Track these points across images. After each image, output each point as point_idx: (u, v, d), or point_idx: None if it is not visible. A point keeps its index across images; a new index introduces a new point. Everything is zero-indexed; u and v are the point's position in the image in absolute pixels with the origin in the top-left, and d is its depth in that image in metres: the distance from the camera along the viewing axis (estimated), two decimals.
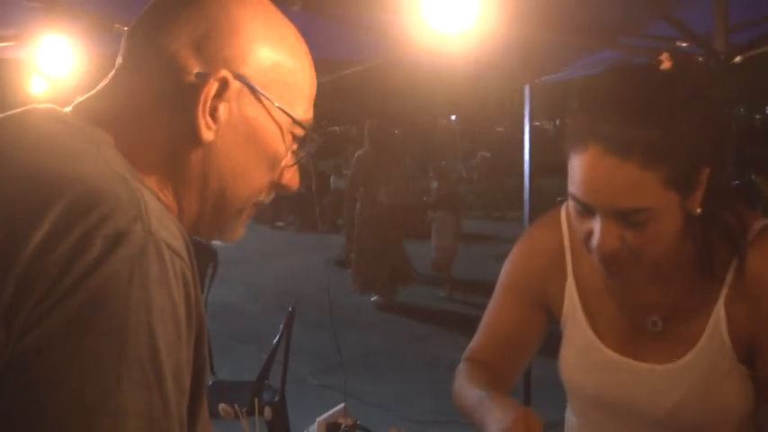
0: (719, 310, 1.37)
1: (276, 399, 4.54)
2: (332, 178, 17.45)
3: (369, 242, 9.16)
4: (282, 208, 15.86)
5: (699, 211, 1.30)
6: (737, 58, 3.34)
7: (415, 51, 4.02)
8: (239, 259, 12.46)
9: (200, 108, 0.95)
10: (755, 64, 4.30)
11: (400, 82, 16.95)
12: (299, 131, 1.05)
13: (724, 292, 1.37)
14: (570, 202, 1.34)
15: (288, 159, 1.07)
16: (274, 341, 4.66)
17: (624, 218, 1.25)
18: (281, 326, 4.75)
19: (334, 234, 15.21)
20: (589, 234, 1.31)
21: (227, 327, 7.88)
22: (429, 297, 9.73)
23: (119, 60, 1.01)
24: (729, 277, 1.37)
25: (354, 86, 21.48)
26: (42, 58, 3.56)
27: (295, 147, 1.07)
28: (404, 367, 6.87)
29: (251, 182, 1.03)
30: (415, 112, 25.30)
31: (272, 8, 1.06)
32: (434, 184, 18.29)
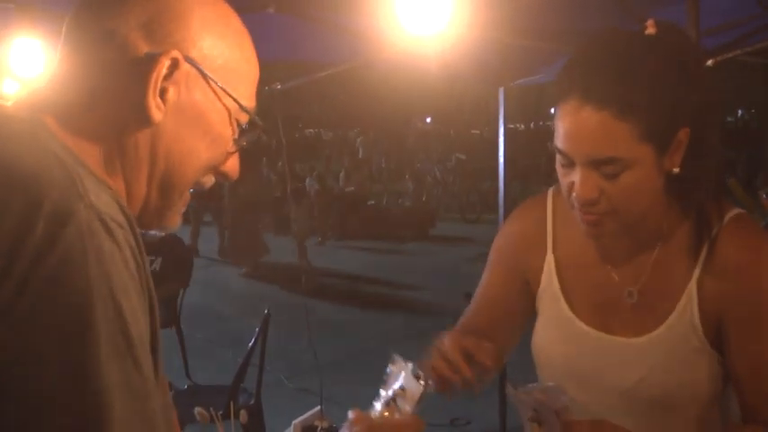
0: (692, 289, 1.42)
1: (252, 402, 4.54)
2: (308, 180, 17.44)
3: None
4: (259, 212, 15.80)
5: (677, 170, 1.34)
6: (709, 62, 3.38)
7: (390, 54, 4.02)
8: (215, 262, 12.42)
9: (151, 88, 0.95)
10: (728, 68, 4.35)
11: (375, 84, 16.98)
12: (244, 118, 1.06)
13: (697, 272, 1.42)
14: (557, 158, 1.39)
15: (230, 146, 1.07)
16: (250, 344, 4.66)
17: (600, 167, 1.31)
18: (257, 329, 4.75)
19: (311, 236, 15.21)
20: (571, 187, 1.37)
21: (202, 330, 7.84)
22: (405, 300, 9.73)
23: (61, 48, 1.01)
24: (703, 258, 1.42)
25: (329, 89, 21.50)
26: (14, 59, 3.53)
27: (237, 135, 1.07)
28: (381, 370, 6.86)
29: (196, 164, 1.03)
30: (391, 115, 25.36)
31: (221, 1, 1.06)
32: (410, 186, 18.37)
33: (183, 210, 1.09)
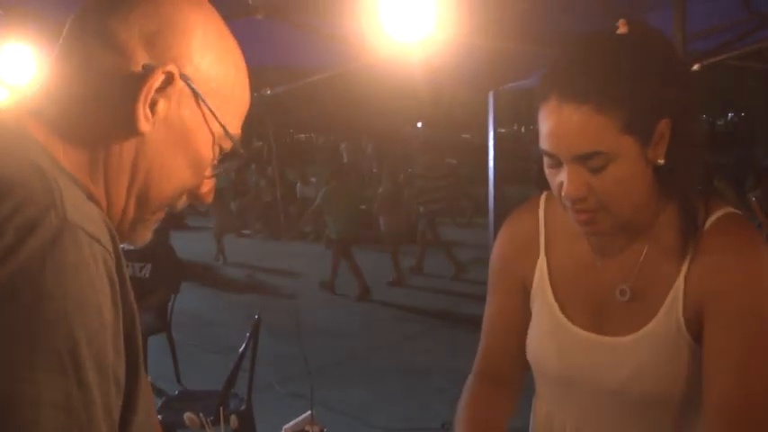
0: (679, 286, 1.44)
1: (243, 407, 4.53)
2: (298, 186, 17.42)
3: None
4: (249, 216, 15.81)
5: (661, 162, 1.37)
6: (695, 66, 3.41)
7: (379, 59, 4.03)
8: (206, 268, 12.40)
9: (143, 98, 0.95)
10: (717, 72, 4.38)
11: (366, 90, 16.97)
12: (227, 145, 1.06)
13: (684, 268, 1.44)
14: (545, 161, 1.42)
15: (209, 171, 1.07)
16: (240, 349, 4.66)
17: (585, 162, 1.34)
18: (248, 334, 4.75)
19: (300, 242, 15.19)
20: (561, 187, 1.39)
21: (193, 336, 7.84)
22: (396, 305, 9.73)
23: (60, 46, 1.00)
24: (690, 256, 1.44)
25: (320, 95, 21.49)
26: (3, 66, 3.52)
27: (216, 161, 1.07)
28: (372, 375, 6.88)
29: (175, 182, 1.02)
30: (381, 120, 25.36)
31: (222, 21, 1.06)
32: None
33: (154, 226, 1.08)
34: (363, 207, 14.57)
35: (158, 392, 5.90)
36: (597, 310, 1.53)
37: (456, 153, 22.75)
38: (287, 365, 6.18)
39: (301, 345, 3.24)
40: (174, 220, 15.50)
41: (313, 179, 18.15)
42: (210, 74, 1.01)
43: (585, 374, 1.53)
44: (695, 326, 1.42)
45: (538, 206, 1.65)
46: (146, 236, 1.08)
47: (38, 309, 0.79)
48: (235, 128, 1.06)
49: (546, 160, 1.41)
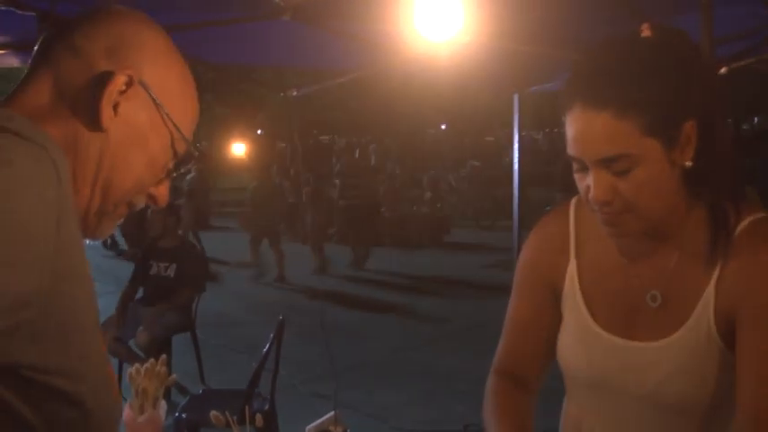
0: (711, 291, 1.44)
1: (266, 407, 4.55)
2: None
3: None
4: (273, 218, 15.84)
5: (689, 164, 1.37)
6: (723, 70, 3.39)
7: (405, 61, 4.04)
8: (231, 269, 12.45)
9: (106, 99, 1.08)
10: (743, 76, 4.35)
11: (389, 92, 16.97)
12: (181, 148, 1.18)
13: (716, 274, 1.44)
14: (573, 165, 1.44)
15: (164, 172, 1.19)
16: (264, 350, 4.68)
17: (609, 166, 1.35)
18: (272, 335, 4.77)
19: (325, 243, 15.23)
20: (587, 190, 1.41)
21: (218, 336, 7.88)
22: (418, 306, 9.74)
23: (34, 58, 1.15)
24: (721, 261, 1.43)
25: (343, 96, 21.53)
26: None
27: (171, 164, 1.20)
28: (395, 377, 6.88)
29: (134, 178, 1.14)
30: (405, 122, 25.34)
31: (169, 38, 1.20)
32: (428, 194, 18.36)
33: (117, 222, 1.19)
34: (385, 210, 14.67)
35: (182, 391, 5.95)
36: (627, 315, 1.53)
37: (480, 155, 22.71)
38: (309, 366, 6.20)
39: (327, 346, 3.24)
40: (199, 221, 15.61)
41: (336, 180, 18.19)
42: (163, 83, 1.15)
43: (615, 379, 1.53)
44: (726, 331, 1.42)
45: (568, 211, 1.65)
46: (110, 230, 1.18)
47: None
48: (188, 132, 1.19)
49: (573, 165, 1.43)
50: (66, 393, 0.96)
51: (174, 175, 1.21)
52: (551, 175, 14.11)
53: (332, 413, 2.25)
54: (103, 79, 1.08)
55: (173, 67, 1.18)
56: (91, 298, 1.03)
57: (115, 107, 1.09)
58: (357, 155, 15.05)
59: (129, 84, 1.10)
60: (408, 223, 15.73)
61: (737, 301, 1.40)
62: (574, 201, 1.64)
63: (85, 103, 1.08)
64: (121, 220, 1.20)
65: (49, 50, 1.13)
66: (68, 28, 1.15)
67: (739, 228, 1.43)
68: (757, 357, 1.37)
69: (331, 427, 2.19)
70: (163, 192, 1.21)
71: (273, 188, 13.03)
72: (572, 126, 1.38)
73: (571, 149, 1.40)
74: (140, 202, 1.19)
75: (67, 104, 1.09)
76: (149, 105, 1.13)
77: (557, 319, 1.65)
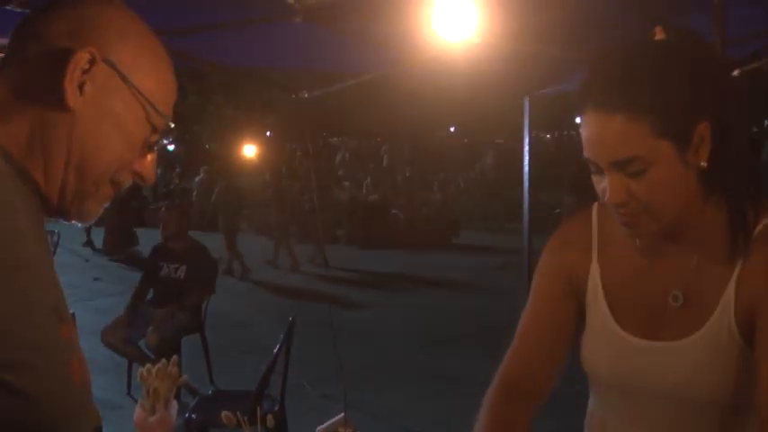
0: (731, 290, 1.44)
1: (276, 408, 4.56)
2: (334, 190, 17.49)
3: None
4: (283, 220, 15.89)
5: (704, 165, 1.37)
6: (735, 72, 3.37)
7: (415, 63, 4.04)
8: (241, 270, 12.47)
9: (69, 77, 1.08)
10: (752, 78, 4.34)
11: (399, 94, 16.96)
12: (159, 123, 1.18)
13: (736, 273, 1.44)
14: (591, 168, 1.45)
15: (143, 146, 1.19)
16: (274, 351, 4.69)
17: (623, 168, 1.36)
18: (282, 336, 4.77)
19: (334, 245, 15.24)
20: (604, 192, 1.42)
21: (227, 337, 7.90)
22: (428, 308, 9.74)
23: (7, 51, 1.16)
24: (740, 261, 1.44)
25: (353, 98, 21.53)
26: None
27: (154, 138, 1.20)
28: (403, 378, 6.88)
29: (109, 155, 1.14)
30: (414, 124, 25.34)
31: (139, 19, 1.21)
32: (437, 195, 18.38)
33: (105, 204, 1.20)
34: (395, 211, 14.74)
35: (192, 392, 5.96)
36: (649, 316, 1.54)
37: (489, 157, 22.68)
38: (317, 367, 6.20)
39: (336, 347, 3.25)
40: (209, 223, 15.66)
41: (346, 183, 18.22)
42: (133, 60, 1.15)
43: (637, 380, 1.53)
44: (747, 330, 1.42)
45: (591, 214, 1.65)
46: (95, 211, 1.19)
47: None
48: (164, 105, 1.19)
49: (591, 167, 1.44)
50: (6, 383, 0.95)
51: (155, 148, 1.21)
52: (560, 177, 14.09)
53: (341, 415, 2.25)
54: (64, 58, 1.09)
55: (143, 44, 1.18)
56: (45, 290, 1.03)
57: (81, 86, 1.09)
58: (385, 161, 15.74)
59: (93, 62, 1.10)
60: (418, 225, 15.75)
61: (756, 300, 1.41)
62: (596, 205, 1.64)
63: (50, 86, 1.09)
64: (108, 202, 1.20)
65: (16, 41, 1.15)
66: (33, 17, 1.17)
67: (758, 228, 1.43)
68: None
69: (341, 429, 2.19)
70: (149, 168, 1.21)
71: (283, 190, 13.32)
72: (586, 129, 1.40)
73: (587, 152, 1.42)
74: (126, 180, 1.20)
75: (33, 90, 1.10)
76: (118, 82, 1.13)
77: (575, 323, 1.64)
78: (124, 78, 1.13)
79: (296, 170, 17.19)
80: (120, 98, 1.14)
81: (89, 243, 14.96)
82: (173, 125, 1.21)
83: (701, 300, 1.47)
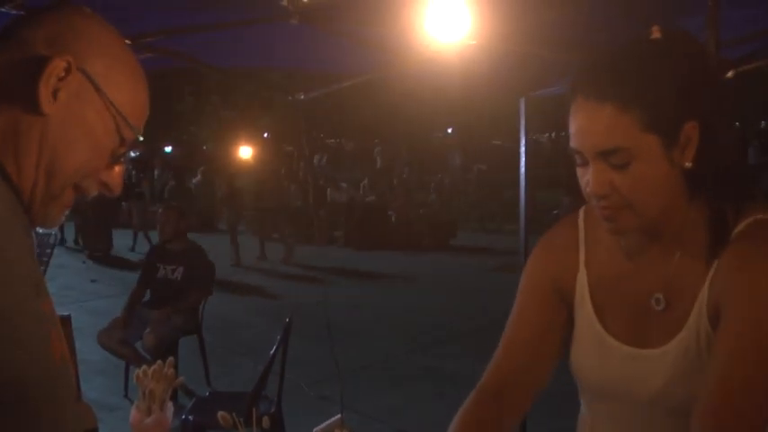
0: (704, 293, 1.43)
1: (273, 409, 4.56)
2: (328, 191, 17.50)
3: None
4: (280, 220, 15.88)
5: (689, 165, 1.37)
6: (729, 73, 3.38)
7: (413, 64, 4.05)
8: (236, 272, 12.49)
9: (44, 82, 1.12)
10: (750, 79, 4.35)
11: (396, 96, 17.00)
12: (129, 135, 1.22)
13: (710, 275, 1.43)
14: (576, 161, 1.45)
15: (110, 157, 1.22)
16: (271, 352, 4.68)
17: (607, 159, 1.37)
18: (278, 338, 4.77)
19: (332, 246, 15.25)
20: (587, 185, 1.42)
21: (223, 339, 7.90)
22: (425, 309, 9.74)
23: None
24: (716, 262, 1.43)
25: (350, 100, 21.54)
26: None
27: (122, 150, 1.23)
28: (400, 379, 6.88)
29: (77, 161, 1.18)
30: (411, 126, 25.36)
31: (115, 32, 1.25)
32: (434, 197, 18.38)
33: (66, 210, 1.23)
34: (392, 213, 14.77)
35: (188, 393, 5.96)
36: (637, 322, 1.53)
37: (486, 159, 22.70)
38: (315, 368, 6.20)
39: (333, 348, 3.24)
40: (206, 224, 15.67)
41: (343, 184, 18.22)
42: (108, 72, 1.19)
43: (622, 387, 1.53)
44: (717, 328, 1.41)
45: (577, 220, 1.65)
46: (58, 218, 1.23)
47: None
48: (136, 118, 1.23)
49: (576, 159, 1.44)
50: None
51: (122, 160, 1.24)
52: (557, 178, 14.11)
53: (338, 416, 2.25)
54: (41, 64, 1.12)
55: (119, 58, 1.22)
56: (28, 267, 1.07)
57: (56, 93, 1.13)
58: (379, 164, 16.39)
59: (69, 70, 1.14)
60: (415, 226, 15.77)
61: (722, 299, 1.39)
62: (583, 210, 1.64)
63: (25, 89, 1.12)
64: (68, 209, 1.23)
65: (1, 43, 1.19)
66: (18, 21, 1.21)
67: (737, 229, 1.42)
68: (717, 350, 1.35)
69: (337, 430, 2.19)
70: (115, 178, 1.24)
71: (281, 191, 13.44)
72: (574, 118, 1.40)
73: (572, 142, 1.42)
74: (92, 190, 1.23)
75: (9, 93, 1.13)
76: (91, 92, 1.17)
77: (563, 325, 1.64)
78: (97, 88, 1.17)
79: (295, 172, 17.21)
80: (93, 107, 1.18)
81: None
82: (141, 138, 1.25)
83: (681, 303, 1.46)
